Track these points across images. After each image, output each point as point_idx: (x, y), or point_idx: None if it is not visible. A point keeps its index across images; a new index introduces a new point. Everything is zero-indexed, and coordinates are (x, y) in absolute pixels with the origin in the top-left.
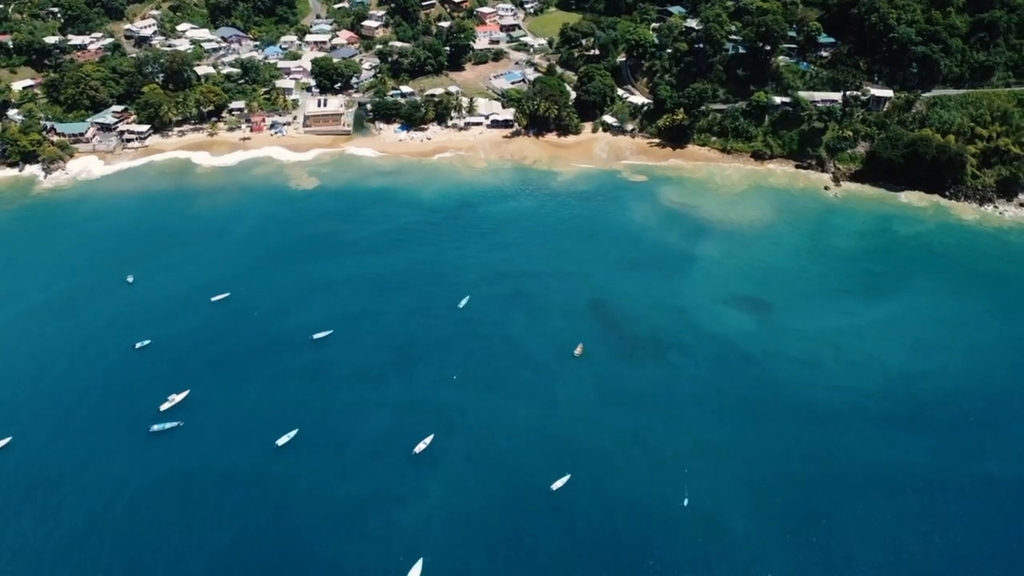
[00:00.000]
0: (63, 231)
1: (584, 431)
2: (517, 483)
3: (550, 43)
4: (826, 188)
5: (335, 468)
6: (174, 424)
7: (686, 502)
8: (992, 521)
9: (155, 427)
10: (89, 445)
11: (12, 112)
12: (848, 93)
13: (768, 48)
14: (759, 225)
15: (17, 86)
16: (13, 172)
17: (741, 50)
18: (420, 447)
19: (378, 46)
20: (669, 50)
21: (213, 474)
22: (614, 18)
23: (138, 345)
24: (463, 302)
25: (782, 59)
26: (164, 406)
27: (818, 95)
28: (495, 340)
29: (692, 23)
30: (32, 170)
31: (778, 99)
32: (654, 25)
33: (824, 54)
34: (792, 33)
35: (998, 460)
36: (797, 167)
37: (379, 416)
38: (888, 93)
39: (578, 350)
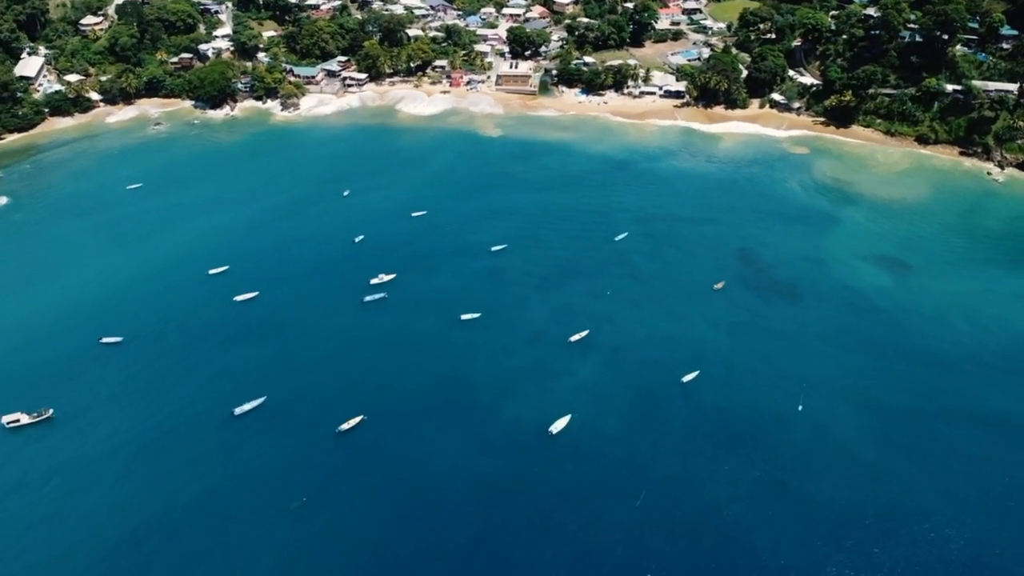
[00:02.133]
0: (294, 152)
1: (715, 344)
2: (653, 373)
3: (729, 27)
4: (989, 174)
5: (504, 344)
6: (381, 296)
7: (800, 408)
8: None
9: (367, 298)
10: (318, 304)
11: (260, 55)
12: None
13: (946, 37)
14: (912, 200)
15: (265, 35)
16: (257, 104)
17: (918, 38)
18: (575, 337)
19: (567, 21)
20: (844, 35)
21: (409, 334)
22: (794, 6)
23: (356, 239)
24: (620, 236)
25: (959, 49)
26: (374, 280)
27: (992, 85)
28: (645, 269)
29: (871, 10)
30: (271, 104)
31: (950, 87)
32: (833, 12)
33: (1005, 46)
34: (974, 24)
35: None
36: (961, 153)
37: (541, 311)
38: None
39: (719, 285)
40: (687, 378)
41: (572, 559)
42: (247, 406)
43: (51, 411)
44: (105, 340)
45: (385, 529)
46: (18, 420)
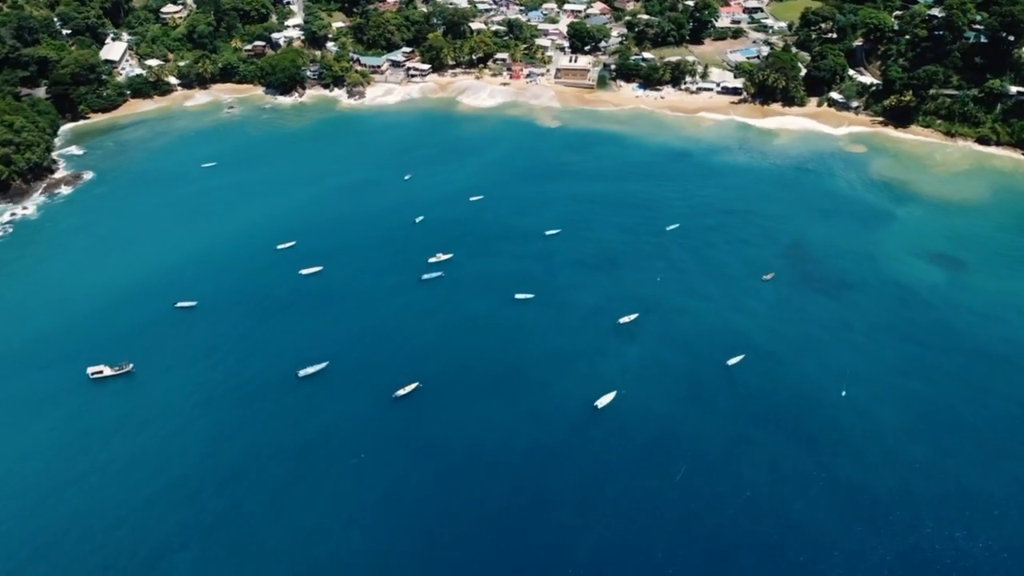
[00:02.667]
0: (359, 137)
1: (762, 332)
2: (700, 355)
3: (789, 26)
4: None
5: (555, 323)
6: (439, 274)
7: (844, 394)
8: None
9: (425, 275)
10: (378, 280)
11: (329, 44)
12: None
13: (1012, 38)
14: (970, 200)
15: (334, 25)
16: (325, 91)
17: (982, 39)
18: (624, 320)
19: (627, 17)
20: (907, 36)
21: (464, 311)
22: (857, 5)
23: (416, 220)
24: (672, 227)
25: None
26: (432, 259)
27: None
28: (696, 258)
29: (935, 11)
30: (338, 92)
31: (1014, 88)
32: (896, 12)
33: None
34: None
35: None
36: None
37: (592, 295)
38: None
39: (768, 276)
40: (732, 361)
41: (613, 525)
42: (311, 369)
43: (131, 365)
44: (180, 304)
45: (435, 487)
46: (101, 371)
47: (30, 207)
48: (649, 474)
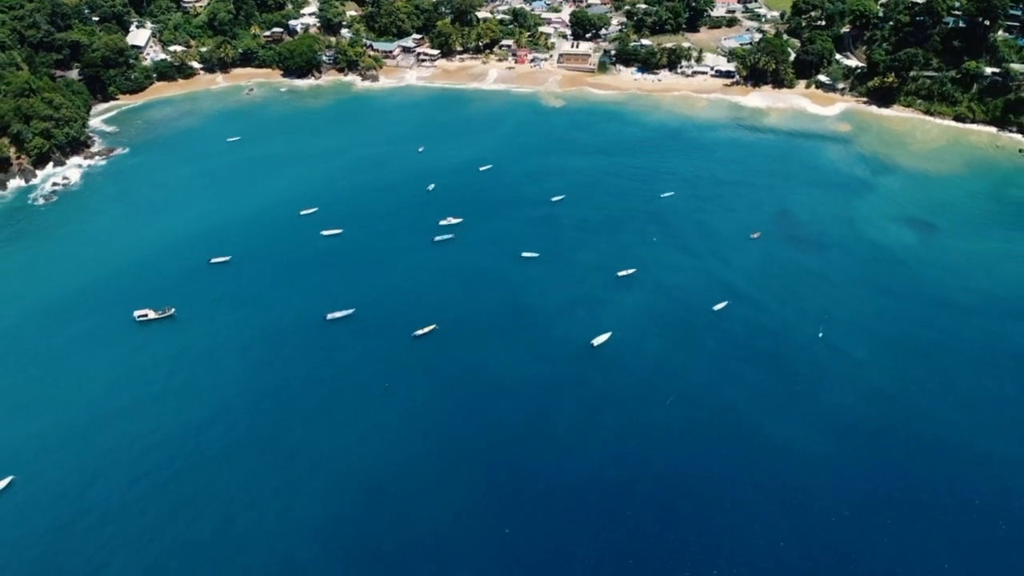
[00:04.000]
0: (373, 116)
1: (746, 283)
2: (689, 303)
3: (782, 16)
4: (1021, 151)
5: (558, 276)
6: (450, 236)
7: (820, 335)
8: None
9: (437, 237)
10: (394, 240)
11: (343, 31)
12: None
13: (988, 23)
14: (946, 172)
15: (348, 13)
16: (339, 75)
17: (961, 24)
18: (622, 273)
19: (627, 6)
20: (891, 22)
21: (475, 266)
22: None
23: (428, 188)
24: (667, 194)
25: (1001, 34)
26: (443, 222)
27: None
28: (690, 221)
29: None
30: (352, 76)
31: (989, 70)
32: (882, 1)
33: None
34: (1016, 11)
35: None
36: (998, 131)
37: (593, 252)
38: None
39: (755, 235)
40: (718, 307)
41: (610, 440)
42: (338, 313)
43: (173, 310)
44: (215, 260)
45: (451, 410)
46: (147, 315)
47: (71, 177)
48: (642, 400)
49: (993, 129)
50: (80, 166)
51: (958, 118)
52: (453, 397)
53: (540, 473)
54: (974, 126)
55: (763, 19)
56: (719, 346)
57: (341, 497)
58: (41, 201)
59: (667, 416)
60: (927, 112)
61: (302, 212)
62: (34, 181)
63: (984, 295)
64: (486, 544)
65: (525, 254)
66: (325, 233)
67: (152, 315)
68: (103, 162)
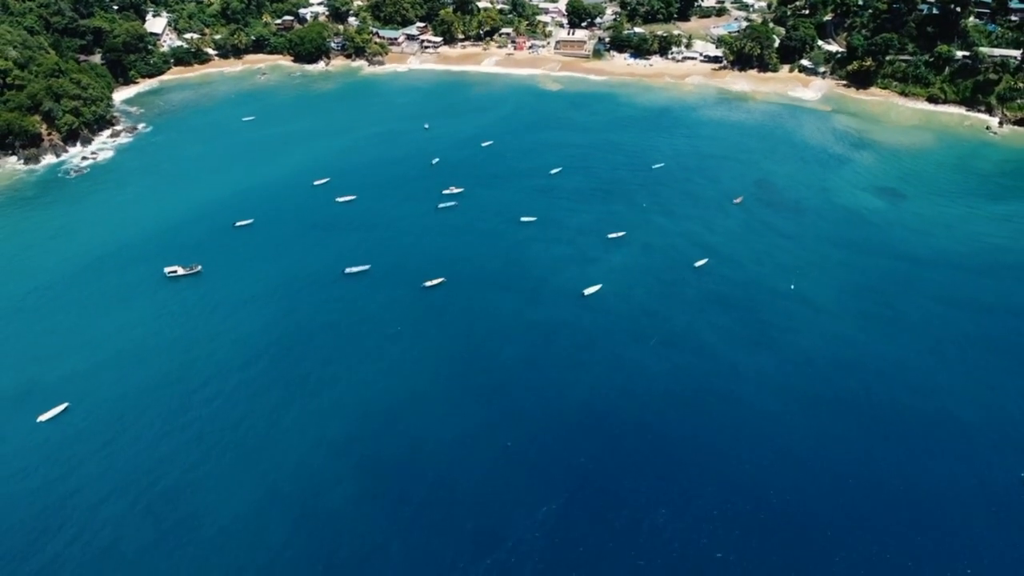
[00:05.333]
0: (381, 98)
1: (726, 242)
2: (673, 260)
3: (769, 6)
4: (988, 128)
5: (554, 237)
6: (453, 203)
7: (792, 287)
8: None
9: (441, 204)
10: (402, 206)
11: (351, 19)
12: None
13: (959, 10)
14: (916, 147)
15: (355, 2)
16: (348, 61)
17: (934, 11)
18: (613, 235)
19: None
20: (870, 10)
21: (477, 228)
22: None
23: (433, 161)
24: (657, 165)
25: (972, 20)
26: (446, 191)
27: (997, 51)
28: (677, 189)
29: None
30: (360, 61)
31: (960, 53)
32: None
33: (1013, 18)
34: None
35: None
36: (968, 111)
37: (587, 217)
38: None
39: (738, 200)
40: (699, 263)
41: (600, 375)
42: (355, 268)
43: (200, 267)
44: (238, 223)
45: (458, 348)
46: (176, 271)
47: (100, 152)
48: (627, 342)
49: (963, 109)
50: (107, 142)
51: (931, 99)
52: (460, 337)
53: (537, 400)
54: (945, 107)
55: (751, 8)
56: (699, 297)
57: (362, 423)
58: (73, 174)
59: (650, 355)
60: (902, 94)
61: (316, 182)
62: (64, 156)
63: (942, 251)
64: (490, 454)
65: (524, 219)
66: (339, 199)
67: (180, 271)
68: (129, 139)
